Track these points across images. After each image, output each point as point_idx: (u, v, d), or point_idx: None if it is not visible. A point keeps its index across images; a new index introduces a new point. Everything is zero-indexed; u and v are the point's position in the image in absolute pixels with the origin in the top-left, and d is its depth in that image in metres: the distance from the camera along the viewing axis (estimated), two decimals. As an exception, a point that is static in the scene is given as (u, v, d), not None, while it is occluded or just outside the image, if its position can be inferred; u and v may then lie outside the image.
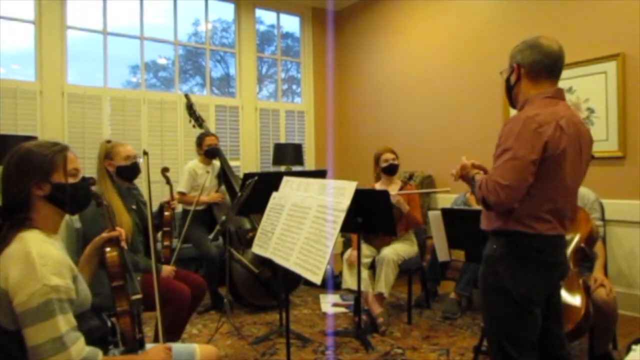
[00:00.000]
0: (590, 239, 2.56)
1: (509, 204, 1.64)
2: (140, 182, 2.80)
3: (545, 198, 1.65)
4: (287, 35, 6.56)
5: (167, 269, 2.72)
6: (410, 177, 3.67)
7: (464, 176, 1.85)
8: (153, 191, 2.30)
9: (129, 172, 2.64)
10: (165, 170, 3.41)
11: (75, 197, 1.44)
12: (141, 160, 2.65)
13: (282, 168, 5.37)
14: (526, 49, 1.75)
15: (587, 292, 2.47)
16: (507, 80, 1.83)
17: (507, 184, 1.60)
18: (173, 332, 2.44)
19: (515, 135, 1.61)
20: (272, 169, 5.65)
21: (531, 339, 1.72)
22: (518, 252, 1.69)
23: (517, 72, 1.77)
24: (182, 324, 2.64)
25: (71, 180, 1.43)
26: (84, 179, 1.50)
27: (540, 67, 1.72)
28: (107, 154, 2.60)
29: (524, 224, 1.66)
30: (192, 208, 3.49)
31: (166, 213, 3.02)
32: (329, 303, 3.96)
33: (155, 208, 3.12)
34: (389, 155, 3.63)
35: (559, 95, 1.74)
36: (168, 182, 3.35)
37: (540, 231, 1.66)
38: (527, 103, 1.73)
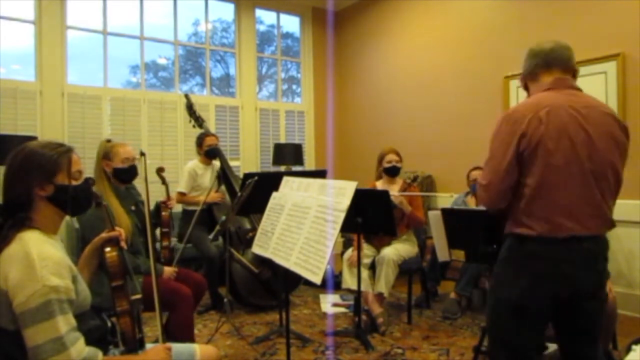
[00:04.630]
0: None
1: (490, 204, 1.68)
2: (137, 182, 2.77)
3: (537, 195, 1.56)
4: (287, 35, 6.56)
5: (169, 271, 2.70)
6: (415, 179, 3.66)
7: None
8: (152, 191, 2.28)
9: (125, 174, 2.59)
10: (160, 170, 3.34)
11: (77, 199, 1.43)
12: (137, 161, 2.62)
13: (282, 168, 5.37)
14: (523, 61, 1.79)
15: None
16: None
17: (486, 184, 1.64)
18: (183, 333, 2.43)
19: (494, 135, 1.65)
20: (272, 169, 5.66)
21: (524, 350, 1.63)
22: (514, 256, 1.63)
23: (522, 82, 1.82)
24: (190, 324, 2.62)
25: (74, 182, 1.43)
26: (86, 180, 1.49)
27: (533, 67, 1.74)
28: (106, 154, 2.55)
29: (523, 225, 1.58)
30: (198, 208, 3.49)
31: (164, 213, 3.00)
32: (329, 303, 3.96)
33: (152, 207, 3.10)
34: (392, 157, 3.64)
35: (559, 84, 1.66)
36: (164, 182, 3.30)
37: (540, 232, 1.55)
38: None
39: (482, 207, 1.82)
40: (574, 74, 1.73)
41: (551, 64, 1.70)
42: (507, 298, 1.63)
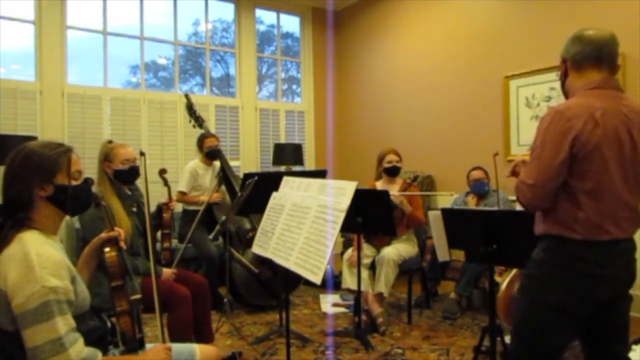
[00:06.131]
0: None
1: (535, 204, 1.60)
2: (140, 182, 2.78)
3: (586, 198, 1.52)
4: (287, 35, 6.56)
5: (167, 272, 2.70)
6: (415, 179, 3.66)
7: (516, 173, 1.76)
8: (154, 191, 2.28)
9: (126, 176, 2.58)
10: (163, 172, 3.35)
11: (76, 199, 1.43)
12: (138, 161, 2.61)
13: (282, 168, 5.37)
14: (569, 42, 1.69)
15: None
16: (561, 78, 1.76)
17: (532, 183, 1.56)
18: (182, 333, 2.44)
19: (543, 132, 1.56)
20: (272, 169, 5.65)
21: (554, 350, 1.63)
22: (557, 259, 1.59)
23: (563, 67, 1.72)
24: (189, 325, 2.62)
25: (73, 182, 1.42)
26: (85, 180, 1.49)
27: (582, 56, 1.63)
28: (106, 156, 2.54)
29: (567, 227, 1.55)
30: (199, 208, 3.49)
31: (165, 215, 2.99)
32: (329, 303, 3.96)
33: (153, 208, 3.10)
34: (392, 157, 3.64)
35: (607, 84, 1.60)
36: (166, 183, 3.31)
37: (585, 236, 1.53)
38: (570, 96, 1.66)
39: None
40: (616, 71, 1.66)
41: (602, 60, 1.61)
42: (549, 299, 1.59)
